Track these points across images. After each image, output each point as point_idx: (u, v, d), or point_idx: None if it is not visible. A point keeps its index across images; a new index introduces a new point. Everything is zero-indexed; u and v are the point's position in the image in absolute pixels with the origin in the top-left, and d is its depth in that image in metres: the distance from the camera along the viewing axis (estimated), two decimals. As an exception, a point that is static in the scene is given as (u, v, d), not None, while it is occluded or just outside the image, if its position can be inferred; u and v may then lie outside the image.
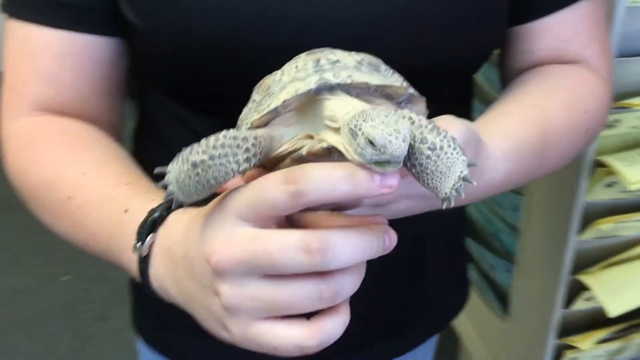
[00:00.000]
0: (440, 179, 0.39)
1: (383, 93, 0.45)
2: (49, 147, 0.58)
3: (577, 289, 1.15)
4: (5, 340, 2.03)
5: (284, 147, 0.43)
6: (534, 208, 1.19)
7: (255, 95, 0.46)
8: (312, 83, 0.42)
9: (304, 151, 0.42)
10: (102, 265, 2.43)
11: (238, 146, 0.40)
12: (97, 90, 0.62)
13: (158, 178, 0.42)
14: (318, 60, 0.43)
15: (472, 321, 1.56)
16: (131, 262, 0.48)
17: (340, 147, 0.40)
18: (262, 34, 0.54)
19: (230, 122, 0.46)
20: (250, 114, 0.45)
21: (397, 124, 0.37)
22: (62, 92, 0.60)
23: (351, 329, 0.71)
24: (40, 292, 2.21)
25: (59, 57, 0.58)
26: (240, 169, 0.40)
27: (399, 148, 0.36)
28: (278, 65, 0.45)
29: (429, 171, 0.39)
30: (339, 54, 0.44)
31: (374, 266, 0.66)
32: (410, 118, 0.40)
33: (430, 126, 0.40)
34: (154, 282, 0.47)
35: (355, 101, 0.42)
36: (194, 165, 0.39)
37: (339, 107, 0.41)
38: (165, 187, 0.41)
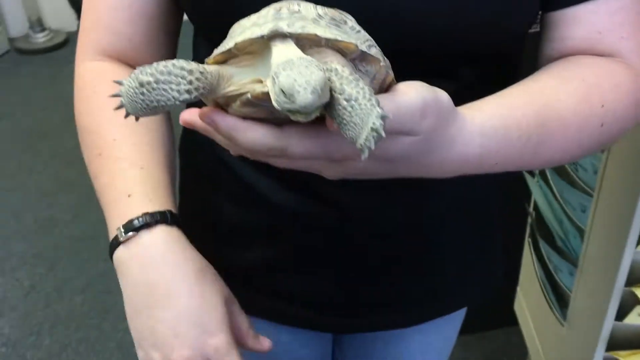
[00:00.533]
0: (355, 129, 0.40)
1: (335, 48, 0.45)
2: (97, 96, 0.68)
3: (633, 302, 1.10)
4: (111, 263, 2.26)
5: (232, 88, 0.45)
6: (600, 211, 1.15)
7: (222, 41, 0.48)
8: (265, 30, 0.43)
9: (249, 95, 0.43)
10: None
11: (183, 76, 0.42)
12: (150, 41, 0.70)
13: None
14: (280, 9, 0.45)
15: (534, 320, 1.53)
16: (111, 233, 0.62)
17: (271, 93, 0.41)
18: None
19: None
20: (212, 53, 0.47)
21: (312, 76, 0.38)
22: (119, 40, 0.69)
23: (366, 291, 0.76)
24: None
25: (115, 10, 0.67)
26: (181, 98, 0.42)
27: (305, 99, 0.37)
28: None
29: (345, 121, 0.40)
30: (303, 6, 0.45)
31: (392, 229, 0.70)
32: (335, 69, 0.41)
33: (351, 78, 0.40)
34: (116, 261, 0.63)
35: (297, 51, 0.42)
36: (141, 84, 0.42)
37: (281, 56, 0.42)
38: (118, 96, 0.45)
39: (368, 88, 0.40)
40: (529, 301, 1.55)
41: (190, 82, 0.42)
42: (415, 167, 0.51)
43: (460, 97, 0.59)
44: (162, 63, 0.42)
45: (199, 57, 0.77)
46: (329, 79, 0.40)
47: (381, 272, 0.75)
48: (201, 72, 0.43)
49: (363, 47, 0.45)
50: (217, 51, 0.45)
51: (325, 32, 0.43)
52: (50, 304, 2.12)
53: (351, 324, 0.80)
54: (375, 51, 0.46)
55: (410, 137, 0.46)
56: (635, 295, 1.08)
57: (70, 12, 3.71)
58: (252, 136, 0.44)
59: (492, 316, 1.65)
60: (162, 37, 0.71)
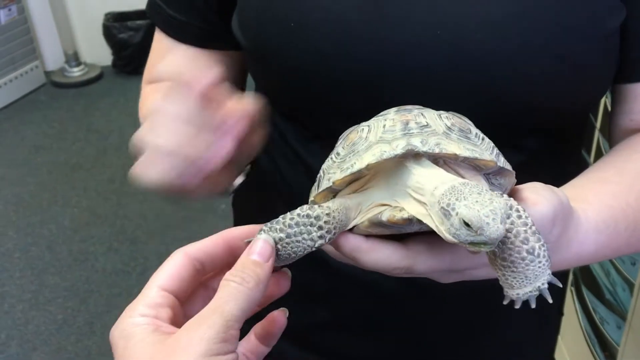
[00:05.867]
0: (523, 281, 0.39)
1: (471, 164, 0.43)
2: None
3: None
4: (144, 298, 2.27)
5: (362, 219, 0.43)
6: (652, 266, 1.12)
7: (340, 148, 0.46)
8: (398, 148, 0.40)
9: (383, 217, 0.41)
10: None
11: (311, 224, 0.41)
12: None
13: None
14: (407, 123, 0.42)
15: (578, 373, 1.49)
16: None
17: (429, 222, 0.39)
18: (355, 60, 0.59)
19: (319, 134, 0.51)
20: (332, 169, 0.44)
21: (493, 204, 0.35)
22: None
23: (441, 355, 0.74)
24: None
25: (189, 62, 0.69)
26: (317, 244, 0.42)
27: (497, 230, 0.35)
28: (372, 91, 0.48)
29: (514, 269, 0.38)
30: (428, 117, 0.43)
31: (448, 307, 0.68)
32: (516, 208, 0.39)
33: (533, 228, 0.38)
34: None
35: (443, 173, 0.40)
36: (274, 241, 0.42)
37: (426, 179, 0.40)
38: None
39: (546, 246, 0.39)
40: (571, 352, 1.51)
41: (320, 228, 0.42)
42: None
43: (526, 167, 0.59)
44: (289, 216, 0.42)
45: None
46: (508, 216, 0.38)
47: (436, 337, 0.74)
48: (327, 214, 0.42)
49: (500, 163, 0.43)
50: (344, 172, 0.43)
51: (461, 149, 0.41)
52: (82, 338, 2.12)
53: None
54: (505, 162, 0.45)
55: None
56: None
57: (105, 47, 3.79)
58: (376, 258, 0.44)
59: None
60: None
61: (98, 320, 2.18)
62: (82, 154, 3.14)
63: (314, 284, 0.73)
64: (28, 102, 3.66)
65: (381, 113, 0.46)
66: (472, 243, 0.36)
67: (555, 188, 0.47)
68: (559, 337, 1.62)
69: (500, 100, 0.57)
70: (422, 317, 0.71)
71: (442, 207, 0.37)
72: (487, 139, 0.45)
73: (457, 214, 0.36)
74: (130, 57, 3.70)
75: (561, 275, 0.81)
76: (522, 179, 0.55)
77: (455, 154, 0.41)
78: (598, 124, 1.32)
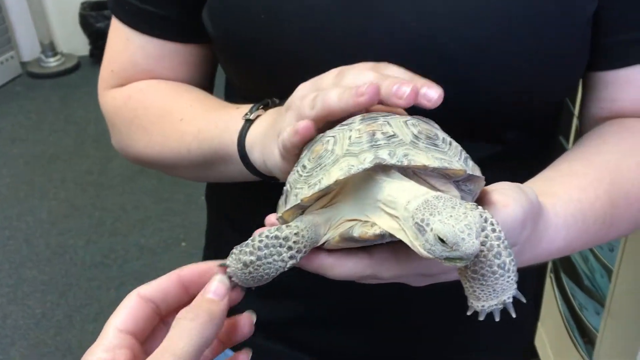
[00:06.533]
0: (489, 294, 0.39)
1: (441, 172, 0.42)
2: (156, 91, 0.68)
3: (664, 345, 1.08)
4: (125, 290, 2.24)
5: (331, 234, 0.42)
6: (630, 251, 1.13)
7: (305, 161, 0.44)
8: (366, 161, 0.40)
9: (355, 233, 0.41)
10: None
11: (280, 245, 0.41)
12: (188, 83, 0.69)
13: None
14: (373, 134, 0.41)
15: (557, 359, 1.51)
16: (232, 135, 0.58)
17: (402, 238, 0.38)
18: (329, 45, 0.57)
19: None
20: (299, 183, 0.43)
21: (467, 218, 0.35)
22: (141, 74, 0.69)
23: (401, 355, 0.73)
24: (160, 253, 2.42)
25: (155, 58, 0.67)
26: (288, 265, 0.41)
27: (472, 246, 0.34)
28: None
29: (484, 282, 0.38)
30: (394, 125, 0.42)
31: (426, 301, 0.68)
32: (490, 221, 0.38)
33: (506, 242, 0.38)
34: (247, 143, 0.56)
35: (415, 186, 0.39)
36: (245, 264, 0.42)
37: (397, 192, 0.39)
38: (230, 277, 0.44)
39: (515, 260, 0.39)
40: (551, 338, 1.52)
41: (290, 248, 0.41)
42: None
43: (503, 158, 0.58)
44: (257, 238, 0.42)
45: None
46: (483, 229, 0.38)
47: (415, 331, 0.73)
48: (296, 234, 0.41)
49: (469, 170, 0.42)
50: (312, 189, 0.42)
51: (429, 159, 0.40)
52: (61, 332, 2.09)
53: None
54: (474, 167, 0.44)
55: None
56: (667, 338, 1.06)
57: (82, 36, 3.73)
58: (341, 271, 0.44)
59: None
60: (201, 81, 0.70)
61: (77, 314, 2.16)
62: (60, 145, 3.10)
63: (290, 278, 0.72)
64: (4, 93, 3.59)
65: (345, 121, 0.45)
66: (447, 258, 0.36)
67: (523, 187, 0.46)
68: (539, 324, 1.63)
69: (477, 92, 0.57)
70: (400, 308, 0.71)
71: (416, 223, 0.36)
72: (454, 143, 0.44)
73: (431, 229, 0.35)
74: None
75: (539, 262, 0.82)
76: (499, 169, 0.54)
77: (425, 165, 0.40)
78: (576, 111, 1.33)
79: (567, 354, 1.43)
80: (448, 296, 0.71)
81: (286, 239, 0.41)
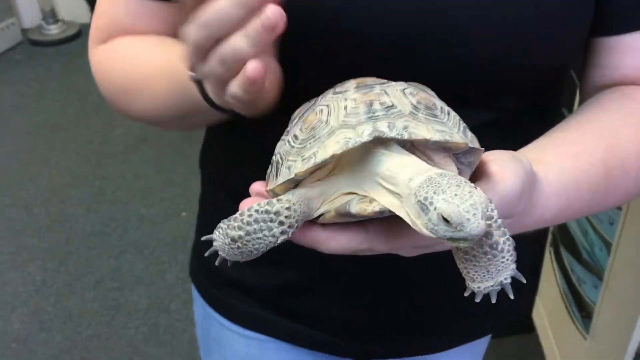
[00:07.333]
0: (484, 276, 0.37)
1: (441, 145, 0.40)
2: (138, 47, 0.65)
3: (661, 320, 1.07)
4: (123, 259, 2.26)
5: (325, 208, 0.40)
6: (630, 225, 1.12)
7: (297, 131, 0.42)
8: (364, 134, 0.37)
9: (352, 209, 0.39)
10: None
11: (272, 220, 0.39)
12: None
13: None
14: (371, 104, 0.39)
15: (554, 333, 1.50)
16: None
17: (403, 216, 0.36)
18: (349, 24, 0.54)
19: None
20: (291, 155, 0.41)
21: (473, 197, 0.33)
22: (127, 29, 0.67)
23: (399, 319, 0.73)
24: (161, 223, 2.42)
25: (136, 17, 0.65)
26: (279, 240, 0.39)
27: (477, 227, 0.32)
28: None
29: (476, 263, 0.37)
30: (392, 95, 0.40)
31: (419, 266, 0.67)
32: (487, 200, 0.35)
33: (499, 221, 0.36)
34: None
35: (417, 162, 0.38)
36: (233, 240, 0.40)
37: (398, 167, 0.37)
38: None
39: (512, 240, 0.37)
40: (548, 311, 1.52)
41: (281, 223, 0.39)
42: None
43: (503, 126, 0.56)
44: (246, 212, 0.40)
45: None
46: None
47: (408, 297, 0.73)
48: (288, 208, 0.39)
49: (470, 143, 0.41)
50: (306, 163, 0.39)
51: (431, 132, 0.38)
52: (61, 300, 2.11)
53: (376, 351, 0.78)
54: (473, 138, 0.42)
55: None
56: (664, 312, 1.05)
57: (83, 3, 3.69)
58: (336, 245, 0.42)
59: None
60: None
61: (77, 282, 2.17)
62: (61, 114, 3.08)
63: (283, 246, 0.71)
64: (4, 60, 3.57)
65: (338, 89, 0.42)
66: (451, 239, 0.34)
67: (519, 156, 0.45)
68: (537, 298, 1.63)
69: (476, 57, 0.55)
70: (394, 277, 0.70)
71: (419, 201, 0.34)
72: (452, 113, 0.42)
73: (435, 208, 0.33)
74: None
75: (539, 234, 0.81)
76: (499, 137, 0.52)
77: (426, 139, 0.38)
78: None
79: (564, 328, 1.43)
80: (444, 260, 0.71)
81: (277, 213, 0.39)
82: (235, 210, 0.77)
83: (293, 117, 0.46)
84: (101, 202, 2.51)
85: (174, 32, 0.68)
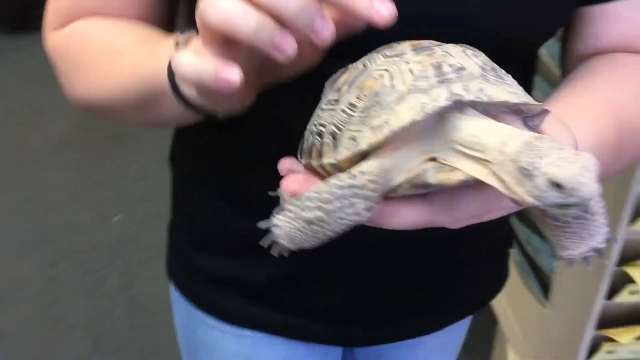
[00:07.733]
0: (577, 242, 0.36)
1: (513, 108, 0.37)
2: (98, 28, 0.60)
3: (622, 282, 1.11)
4: (58, 269, 2.13)
5: (403, 179, 0.37)
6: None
7: (353, 98, 0.38)
8: (441, 98, 0.35)
9: (431, 179, 0.36)
10: (152, 208, 2.47)
11: (355, 195, 0.35)
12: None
13: None
14: (439, 66, 0.36)
15: (511, 304, 1.54)
16: (163, 63, 0.49)
17: (495, 184, 0.34)
18: None
19: None
20: (354, 125, 0.37)
21: (582, 160, 0.31)
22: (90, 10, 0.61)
23: (384, 303, 0.72)
24: (94, 229, 2.30)
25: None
26: (364, 218, 0.36)
27: (591, 190, 0.30)
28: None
29: (567, 229, 0.35)
30: (457, 56, 0.37)
31: (410, 242, 0.66)
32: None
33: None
34: None
35: (504, 126, 0.35)
36: (309, 222, 0.36)
37: (483, 132, 0.34)
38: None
39: (603, 202, 0.36)
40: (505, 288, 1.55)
41: (366, 198, 0.35)
42: None
43: None
44: (324, 189, 0.35)
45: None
46: None
47: (398, 283, 0.72)
48: (372, 181, 0.35)
49: (544, 105, 0.38)
50: (380, 132, 0.36)
51: (507, 94, 0.36)
52: (-5, 314, 1.97)
53: (368, 337, 0.76)
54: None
55: None
56: (625, 275, 1.09)
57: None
58: (399, 220, 0.39)
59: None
60: (159, 23, 0.63)
61: (11, 296, 2.03)
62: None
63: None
64: None
65: (389, 52, 0.39)
66: (559, 205, 0.31)
67: (564, 121, 0.44)
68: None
69: (470, 31, 0.53)
70: (378, 263, 0.69)
71: (520, 167, 0.32)
72: (509, 76, 0.40)
73: (544, 173, 0.31)
74: (15, 12, 3.38)
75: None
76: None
77: (506, 101, 0.35)
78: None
79: (523, 300, 1.46)
80: (427, 252, 0.70)
81: (362, 187, 0.35)
82: (222, 205, 0.72)
83: (334, 84, 0.41)
84: (35, 210, 2.36)
85: (145, 15, 0.62)
